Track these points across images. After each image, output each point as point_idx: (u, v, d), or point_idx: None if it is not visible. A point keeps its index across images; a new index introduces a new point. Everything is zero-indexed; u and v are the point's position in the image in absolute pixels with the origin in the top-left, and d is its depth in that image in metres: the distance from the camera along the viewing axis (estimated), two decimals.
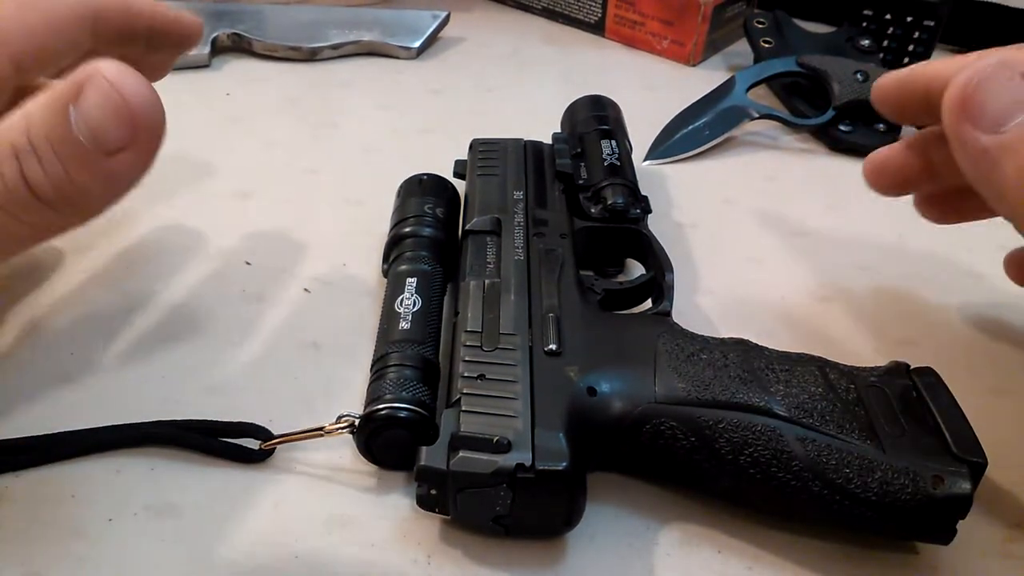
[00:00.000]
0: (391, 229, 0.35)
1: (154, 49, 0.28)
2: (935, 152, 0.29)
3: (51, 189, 0.20)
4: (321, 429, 0.27)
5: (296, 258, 0.36)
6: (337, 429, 0.27)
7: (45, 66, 0.23)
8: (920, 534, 0.25)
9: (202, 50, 0.52)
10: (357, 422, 0.27)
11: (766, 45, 0.52)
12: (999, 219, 0.24)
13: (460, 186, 0.38)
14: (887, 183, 0.31)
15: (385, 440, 0.26)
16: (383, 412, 0.26)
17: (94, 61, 0.20)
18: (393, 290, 0.31)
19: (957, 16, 0.54)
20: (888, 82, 0.28)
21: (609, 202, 0.34)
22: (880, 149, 0.30)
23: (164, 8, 0.28)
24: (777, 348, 0.28)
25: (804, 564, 0.25)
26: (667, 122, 0.47)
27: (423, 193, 0.36)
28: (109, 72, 0.19)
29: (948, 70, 0.25)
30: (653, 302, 0.32)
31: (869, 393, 0.26)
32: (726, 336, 0.28)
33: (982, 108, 0.21)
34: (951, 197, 0.31)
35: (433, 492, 0.24)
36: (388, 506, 0.27)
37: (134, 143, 0.20)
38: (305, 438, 0.27)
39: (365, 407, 0.27)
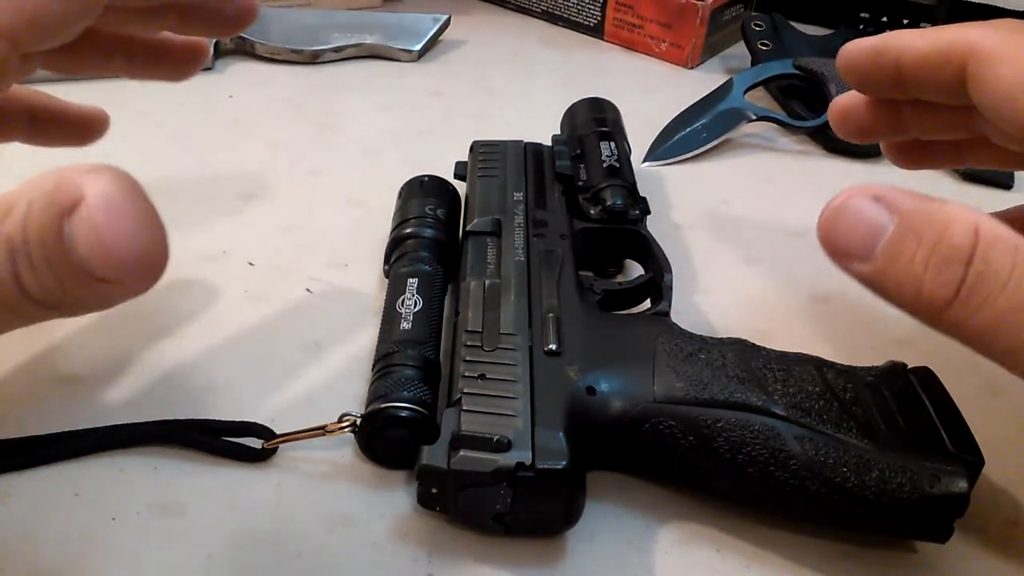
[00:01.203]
0: (392, 230, 0.35)
1: (187, 22, 0.26)
2: (905, 111, 0.28)
3: (41, 293, 0.18)
4: (323, 428, 0.27)
5: (298, 259, 0.37)
6: (339, 428, 0.27)
7: (46, 37, 0.21)
8: (917, 533, 0.25)
9: None
10: (359, 421, 0.27)
11: (763, 48, 0.52)
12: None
13: (461, 188, 0.38)
14: (852, 130, 0.30)
15: (386, 439, 0.27)
16: (385, 411, 0.26)
17: (91, 170, 0.17)
18: (394, 291, 0.31)
19: (953, 18, 0.55)
20: (857, 52, 0.27)
21: (608, 203, 0.35)
22: (844, 96, 0.30)
23: None
24: (775, 348, 0.28)
25: (802, 563, 0.26)
26: (665, 124, 0.48)
27: (424, 194, 0.36)
28: (95, 203, 0.17)
29: (920, 42, 0.25)
30: (652, 302, 0.32)
31: (866, 393, 0.26)
32: (724, 336, 0.28)
33: (846, 245, 0.22)
34: (920, 145, 0.30)
35: (434, 491, 0.24)
36: (389, 505, 0.27)
37: (122, 281, 0.18)
38: (307, 437, 0.27)
39: (367, 406, 0.27)
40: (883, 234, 0.21)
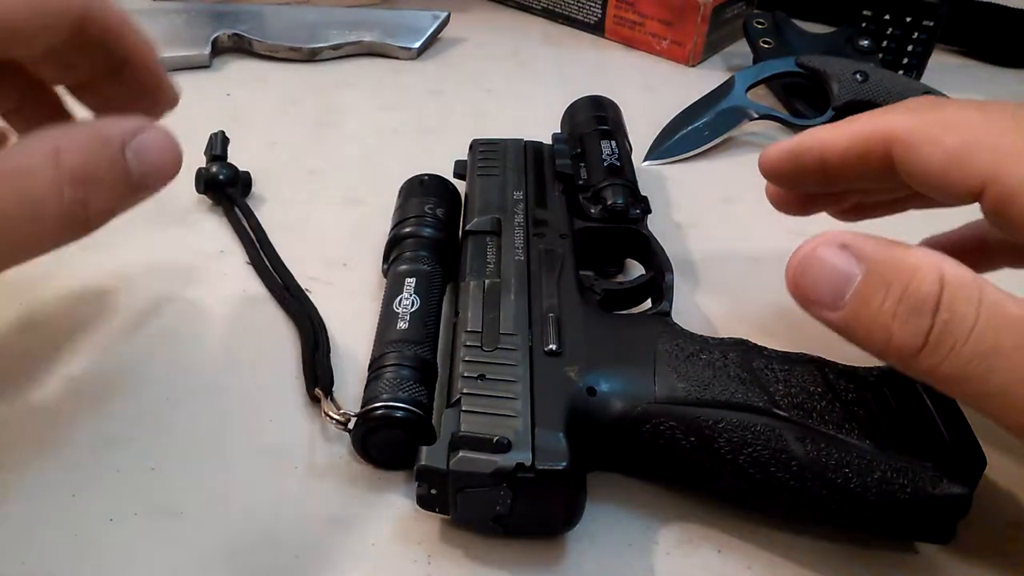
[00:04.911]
0: (391, 229, 0.35)
1: (116, 83, 0.27)
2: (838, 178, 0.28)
3: (101, 212, 0.22)
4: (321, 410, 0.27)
5: (297, 258, 0.36)
6: (333, 418, 0.27)
7: (18, 45, 0.23)
8: (919, 534, 0.25)
9: (203, 50, 0.52)
10: (352, 421, 0.27)
11: (765, 45, 0.52)
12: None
13: (460, 186, 0.38)
14: (794, 209, 0.31)
15: (381, 440, 0.27)
16: (379, 411, 0.26)
17: (126, 117, 0.23)
18: (392, 290, 0.31)
19: (956, 16, 0.54)
20: (777, 157, 0.28)
21: (609, 202, 0.34)
22: (778, 152, 0.29)
23: (152, 54, 0.27)
24: (777, 348, 0.28)
25: (804, 564, 0.26)
26: (667, 122, 0.47)
27: (424, 193, 0.36)
28: (151, 132, 0.23)
29: (840, 139, 0.26)
30: (653, 302, 0.32)
31: (868, 393, 0.26)
32: (726, 336, 0.28)
33: (814, 294, 0.22)
34: (861, 205, 0.31)
35: (433, 492, 0.24)
36: (388, 506, 0.27)
37: (160, 184, 0.23)
38: None
39: (362, 407, 0.27)
40: (851, 283, 0.21)
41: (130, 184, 0.22)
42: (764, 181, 0.46)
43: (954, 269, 0.20)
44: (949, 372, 0.20)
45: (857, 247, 0.21)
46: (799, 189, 0.30)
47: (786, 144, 0.28)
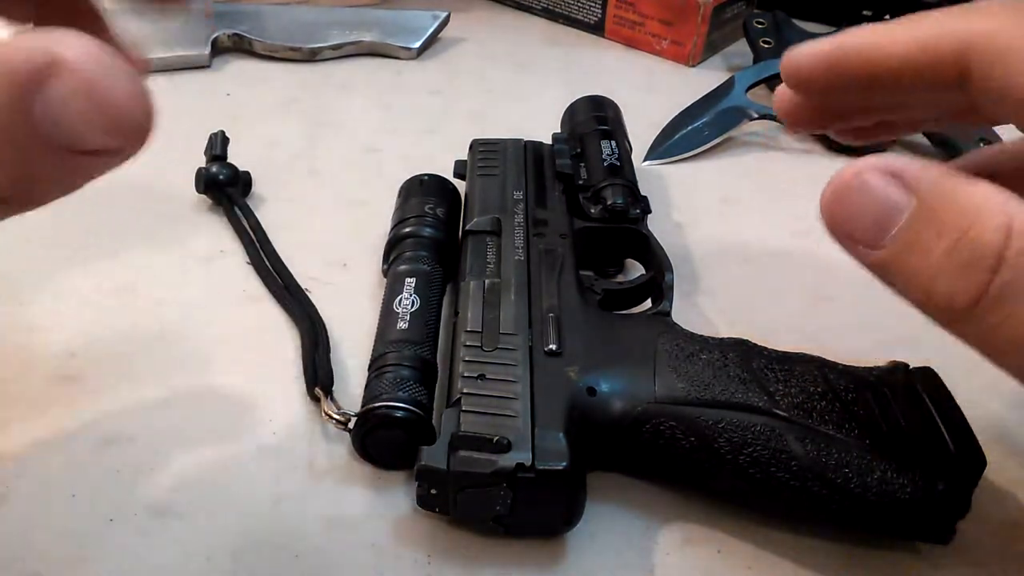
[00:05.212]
0: (391, 229, 0.35)
1: None
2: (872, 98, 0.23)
3: (9, 187, 0.16)
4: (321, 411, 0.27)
5: (297, 258, 0.36)
6: (333, 417, 0.27)
7: None
8: (919, 534, 0.25)
9: (202, 50, 0.52)
10: (352, 421, 0.27)
11: (765, 45, 0.52)
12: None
13: (460, 186, 0.38)
14: (806, 122, 0.25)
15: (381, 439, 0.27)
16: (379, 411, 0.26)
17: (57, 34, 0.15)
18: (392, 290, 0.31)
19: None
20: (811, 57, 0.22)
21: (609, 202, 0.34)
22: (783, 95, 0.25)
23: None
24: (777, 348, 0.28)
25: (804, 564, 0.26)
26: (667, 122, 0.47)
27: (424, 193, 0.36)
28: (84, 66, 0.14)
29: (897, 42, 0.21)
30: (653, 302, 0.32)
31: (868, 393, 0.26)
32: (726, 336, 0.28)
33: (853, 227, 0.19)
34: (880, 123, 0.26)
35: (433, 492, 0.24)
36: (388, 506, 0.27)
37: (118, 148, 0.16)
38: None
39: (362, 407, 0.27)
40: (898, 218, 0.18)
41: (43, 145, 0.15)
42: (764, 182, 0.46)
43: None
44: (997, 341, 0.17)
45: (910, 175, 0.18)
46: (828, 101, 0.24)
47: (824, 45, 0.22)
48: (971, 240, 0.17)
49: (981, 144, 0.44)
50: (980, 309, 0.17)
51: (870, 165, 0.18)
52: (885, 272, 0.19)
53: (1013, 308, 0.16)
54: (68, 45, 0.14)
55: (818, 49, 0.22)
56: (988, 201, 0.17)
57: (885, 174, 0.18)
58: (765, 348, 0.27)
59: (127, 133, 0.15)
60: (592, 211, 0.35)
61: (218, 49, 0.53)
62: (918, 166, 0.18)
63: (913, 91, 0.21)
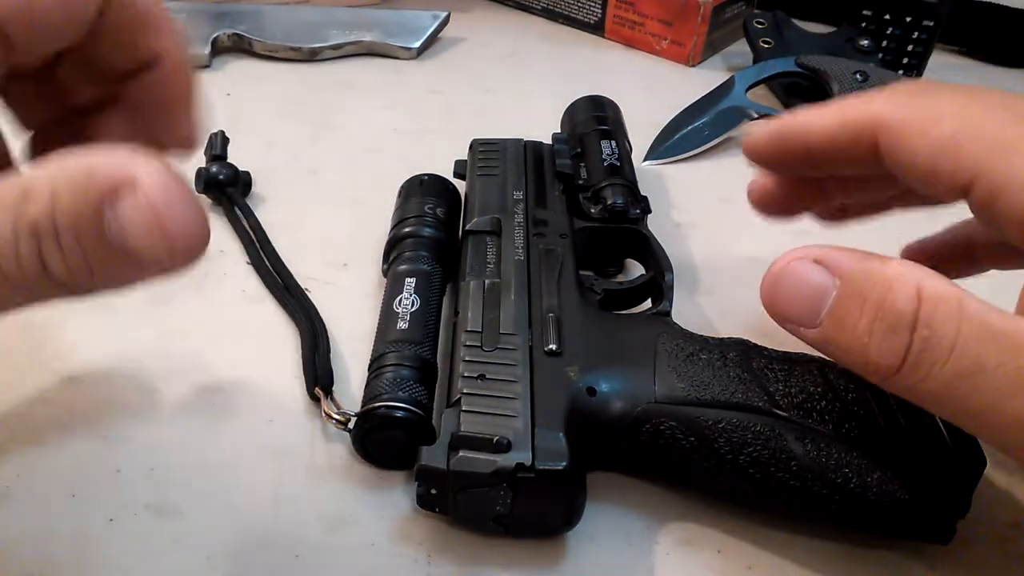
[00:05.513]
0: (391, 229, 0.35)
1: (137, 91, 0.23)
2: (825, 181, 0.28)
3: (66, 275, 0.18)
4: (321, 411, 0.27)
5: (296, 258, 0.36)
6: (333, 417, 0.27)
7: (38, 42, 0.20)
8: (919, 534, 0.25)
9: (202, 50, 0.52)
10: (352, 420, 0.27)
11: (765, 45, 0.52)
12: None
13: (460, 186, 0.38)
14: (776, 210, 0.30)
15: (381, 439, 0.27)
16: (379, 411, 0.26)
17: (131, 155, 0.17)
18: (392, 290, 0.31)
19: (956, 16, 0.54)
20: (762, 140, 0.27)
21: (609, 202, 0.34)
22: (758, 179, 0.29)
23: (183, 57, 0.23)
24: (776, 348, 0.28)
25: (804, 564, 0.26)
26: (667, 122, 0.47)
27: (424, 193, 0.36)
28: (150, 185, 0.17)
29: (825, 123, 0.24)
30: (653, 302, 0.32)
31: (868, 393, 0.26)
32: (726, 336, 0.28)
33: (790, 311, 0.21)
34: (845, 206, 0.30)
35: (433, 492, 0.24)
36: (388, 506, 0.27)
37: (167, 262, 0.18)
38: None
39: (362, 406, 0.27)
40: (827, 298, 0.20)
41: (110, 252, 0.18)
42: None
43: (932, 282, 0.19)
44: (931, 391, 0.19)
45: (832, 260, 0.21)
46: (783, 172, 0.28)
47: (771, 126, 0.26)
48: (890, 307, 0.19)
49: None
50: (908, 366, 0.19)
51: (797, 255, 0.21)
52: (825, 346, 0.21)
53: (934, 359, 0.19)
54: (145, 169, 0.17)
55: (769, 129, 0.26)
56: (900, 274, 0.19)
57: (811, 261, 0.21)
58: (765, 348, 0.27)
59: (179, 254, 0.18)
60: (592, 211, 0.35)
61: (218, 49, 0.53)
62: (839, 251, 0.21)
63: (842, 162, 0.24)
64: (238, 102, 0.49)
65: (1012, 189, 0.20)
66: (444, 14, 0.57)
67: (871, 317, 0.20)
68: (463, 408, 0.25)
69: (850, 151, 0.24)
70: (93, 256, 0.18)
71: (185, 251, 0.18)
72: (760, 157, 0.27)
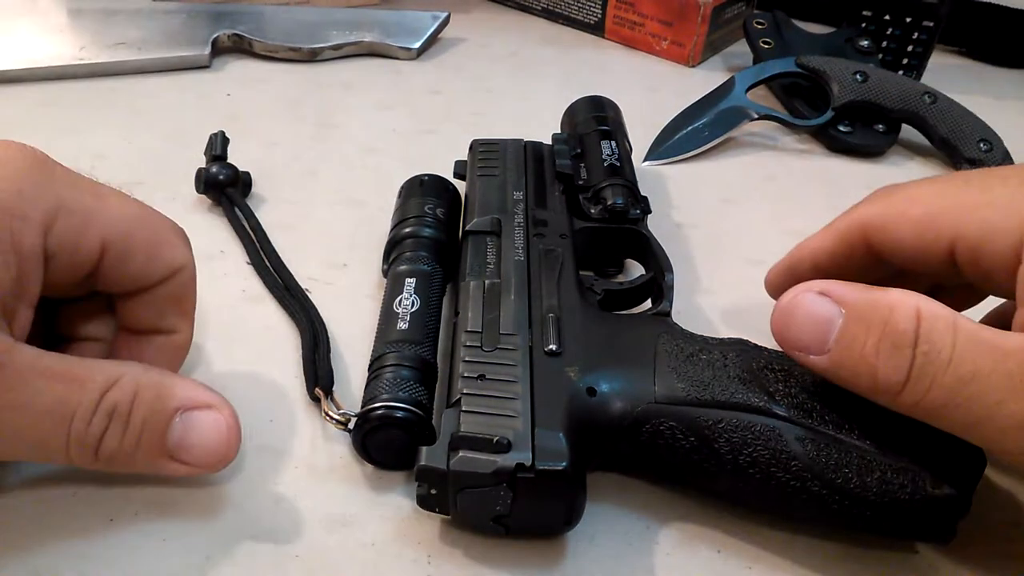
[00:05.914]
0: (391, 229, 0.35)
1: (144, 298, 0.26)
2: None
3: (113, 452, 0.22)
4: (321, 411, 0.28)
5: (297, 258, 0.36)
6: (333, 418, 0.27)
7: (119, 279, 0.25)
8: (919, 534, 0.25)
9: (203, 51, 0.52)
10: (352, 421, 0.27)
11: (765, 46, 0.52)
12: None
13: (460, 187, 0.38)
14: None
15: (381, 440, 0.27)
16: (379, 412, 0.26)
17: (208, 394, 0.24)
18: (392, 290, 0.31)
19: (956, 16, 0.54)
20: (777, 274, 0.31)
21: (609, 202, 0.34)
22: (777, 272, 0.31)
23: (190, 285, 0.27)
24: (776, 348, 0.28)
25: (804, 564, 0.26)
26: (667, 123, 0.47)
27: (424, 194, 0.36)
28: (220, 420, 0.24)
29: (823, 243, 0.28)
30: (653, 302, 0.32)
31: None
32: (726, 336, 0.28)
33: (800, 340, 0.23)
34: None
35: (433, 492, 0.24)
36: (388, 506, 0.27)
37: (204, 468, 0.24)
38: None
39: (362, 407, 0.27)
40: (834, 327, 0.23)
41: (160, 446, 0.23)
42: (764, 182, 0.46)
43: (928, 304, 0.21)
44: (934, 402, 0.21)
45: (836, 292, 0.23)
46: None
47: (782, 262, 0.30)
48: (893, 327, 0.22)
49: (981, 145, 0.44)
50: (912, 380, 0.21)
51: (803, 288, 0.24)
52: (836, 371, 0.23)
53: (934, 370, 0.21)
54: (220, 405, 0.24)
55: (779, 266, 0.31)
56: (900, 299, 0.22)
57: (817, 294, 0.23)
58: (765, 348, 0.27)
59: (214, 464, 0.24)
60: (592, 211, 0.35)
61: (218, 49, 0.53)
62: (842, 284, 0.23)
63: (850, 271, 0.27)
64: (238, 102, 0.49)
65: (988, 241, 0.23)
66: (444, 15, 0.57)
67: (877, 338, 0.22)
68: (463, 408, 0.25)
69: (852, 259, 0.27)
70: (145, 444, 0.23)
71: (217, 467, 0.24)
72: (781, 291, 0.29)
